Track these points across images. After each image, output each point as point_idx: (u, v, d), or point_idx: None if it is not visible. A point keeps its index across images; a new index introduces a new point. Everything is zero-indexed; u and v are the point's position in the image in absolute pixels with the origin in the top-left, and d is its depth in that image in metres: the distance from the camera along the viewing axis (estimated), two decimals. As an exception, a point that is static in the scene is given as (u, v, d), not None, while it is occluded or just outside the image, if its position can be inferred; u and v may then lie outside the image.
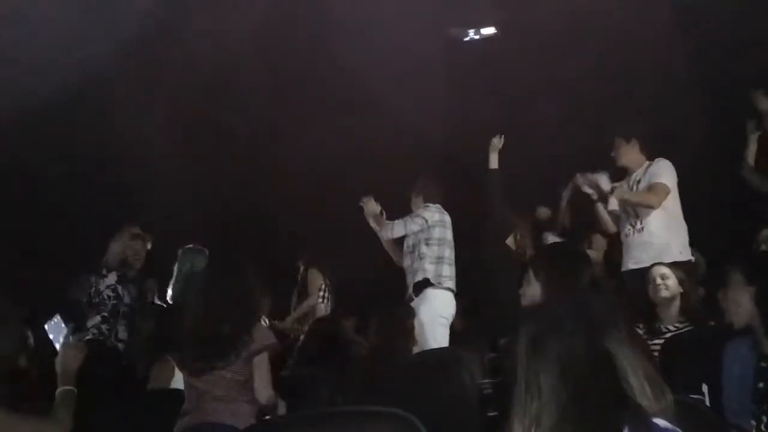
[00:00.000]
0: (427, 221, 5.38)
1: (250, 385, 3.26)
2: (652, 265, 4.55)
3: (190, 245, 5.86)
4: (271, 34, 6.06)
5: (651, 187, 4.98)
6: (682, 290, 4.32)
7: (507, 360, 4.26)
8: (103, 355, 5.05)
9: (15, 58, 5.22)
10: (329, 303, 6.48)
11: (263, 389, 3.25)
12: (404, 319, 4.02)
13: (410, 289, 5.32)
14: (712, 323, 4.34)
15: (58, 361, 2.87)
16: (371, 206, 5.60)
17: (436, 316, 5.15)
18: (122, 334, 5.34)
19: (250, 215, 7.22)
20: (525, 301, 5.12)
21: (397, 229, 5.46)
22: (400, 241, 5.60)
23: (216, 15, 5.83)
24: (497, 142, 5.71)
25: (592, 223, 5.98)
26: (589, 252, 5.82)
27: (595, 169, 5.31)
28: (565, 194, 6.19)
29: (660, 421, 1.66)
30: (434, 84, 6.50)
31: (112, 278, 5.34)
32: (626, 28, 6.22)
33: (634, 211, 5.07)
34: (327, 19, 5.93)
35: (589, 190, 5.31)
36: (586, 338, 1.73)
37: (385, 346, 3.84)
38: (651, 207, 4.94)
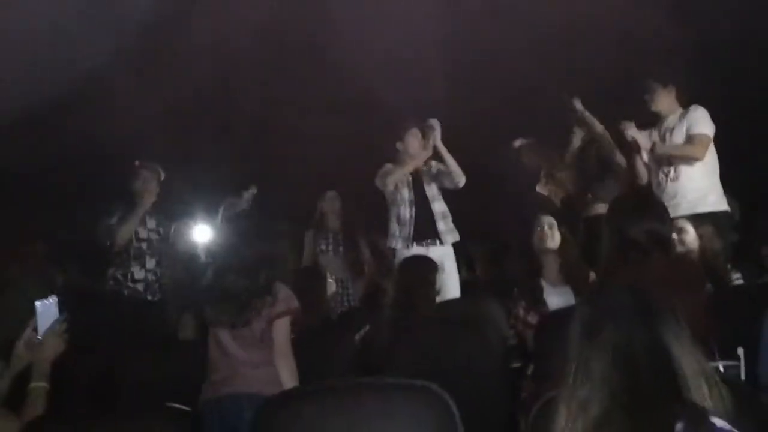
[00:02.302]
0: None
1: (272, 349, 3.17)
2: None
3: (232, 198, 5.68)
4: (271, 33, 5.88)
5: (692, 138, 4.76)
6: (699, 245, 4.13)
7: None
8: (120, 305, 5.11)
9: (12, 57, 5.10)
10: None
11: (283, 358, 3.14)
12: (429, 271, 3.92)
13: (440, 232, 5.16)
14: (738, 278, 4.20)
15: (39, 347, 2.58)
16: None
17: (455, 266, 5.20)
18: (139, 273, 5.30)
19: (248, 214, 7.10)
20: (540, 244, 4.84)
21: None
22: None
23: (215, 14, 5.67)
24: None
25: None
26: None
27: None
28: (578, 132, 5.67)
29: (718, 421, 1.57)
30: (434, 81, 6.27)
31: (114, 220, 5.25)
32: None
33: (667, 159, 4.87)
34: (327, 19, 5.74)
35: (630, 139, 5.07)
36: (644, 329, 1.65)
37: (409, 299, 3.75)
38: (696, 159, 4.75)
